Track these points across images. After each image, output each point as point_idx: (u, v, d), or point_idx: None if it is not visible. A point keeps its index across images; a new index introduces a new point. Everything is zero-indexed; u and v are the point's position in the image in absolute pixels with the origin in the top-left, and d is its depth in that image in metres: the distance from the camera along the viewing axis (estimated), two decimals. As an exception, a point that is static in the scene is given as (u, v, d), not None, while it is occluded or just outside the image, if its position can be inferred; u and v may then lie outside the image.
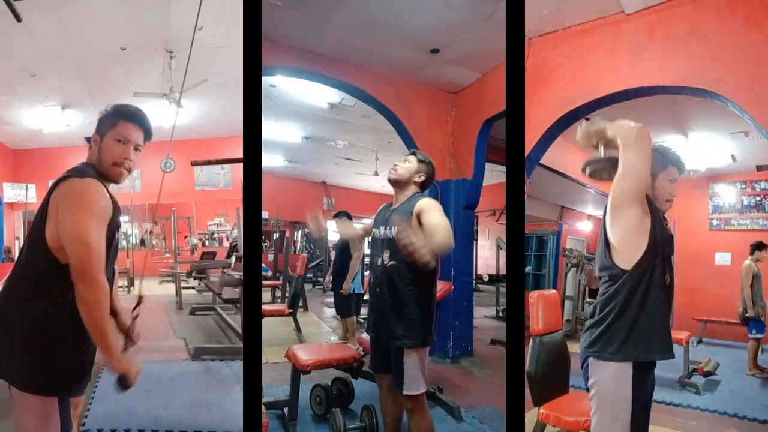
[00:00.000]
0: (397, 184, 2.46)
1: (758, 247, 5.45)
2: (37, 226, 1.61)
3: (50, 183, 1.68)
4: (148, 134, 1.79)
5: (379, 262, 2.38)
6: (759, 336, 5.23)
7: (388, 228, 2.38)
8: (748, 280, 5.32)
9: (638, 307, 1.75)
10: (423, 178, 2.46)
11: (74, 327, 1.58)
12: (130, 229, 11.46)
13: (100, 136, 1.74)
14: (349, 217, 5.28)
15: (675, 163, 1.95)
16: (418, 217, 2.23)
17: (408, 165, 2.46)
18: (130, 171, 1.75)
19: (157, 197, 9.81)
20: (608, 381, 1.77)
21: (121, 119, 1.74)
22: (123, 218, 1.79)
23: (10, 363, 1.59)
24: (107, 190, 1.68)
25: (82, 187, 1.60)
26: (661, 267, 1.77)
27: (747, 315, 5.28)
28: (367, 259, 5.02)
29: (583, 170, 1.99)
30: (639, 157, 1.72)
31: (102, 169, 1.71)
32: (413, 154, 2.52)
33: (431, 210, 2.23)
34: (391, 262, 2.32)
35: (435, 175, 2.53)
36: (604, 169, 1.88)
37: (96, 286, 1.52)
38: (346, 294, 4.97)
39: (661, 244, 1.77)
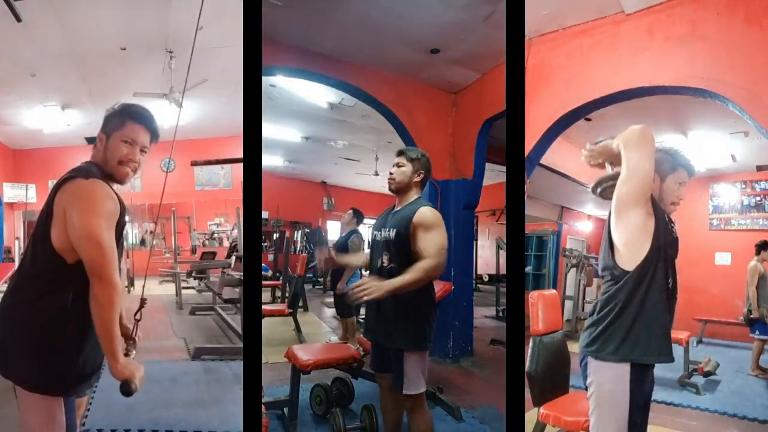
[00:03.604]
0: (398, 191, 2.45)
1: (764, 246, 5.40)
2: (42, 227, 1.60)
3: (50, 183, 1.67)
4: (155, 136, 1.78)
5: (379, 264, 2.38)
6: (764, 337, 5.21)
7: (387, 230, 2.38)
8: (753, 280, 5.27)
9: (638, 309, 1.74)
10: (422, 176, 2.44)
11: (81, 327, 1.58)
12: (130, 229, 11.45)
13: (107, 136, 1.72)
14: (361, 217, 5.25)
15: (685, 166, 1.94)
16: (416, 228, 2.25)
17: (404, 170, 2.42)
18: (135, 172, 1.74)
19: (156, 197, 9.82)
20: (606, 381, 1.77)
21: (129, 120, 1.73)
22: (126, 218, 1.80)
23: (17, 363, 1.59)
24: (113, 189, 1.67)
25: (88, 187, 1.60)
26: (664, 269, 1.76)
27: (752, 316, 5.26)
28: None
29: (593, 191, 1.98)
30: (642, 157, 1.71)
31: (107, 170, 1.70)
32: (402, 154, 2.46)
33: (430, 227, 2.26)
34: (391, 265, 2.31)
35: (431, 166, 2.49)
36: (615, 186, 1.82)
37: (111, 286, 1.53)
38: (340, 293, 4.96)
39: (664, 246, 1.76)
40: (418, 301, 2.29)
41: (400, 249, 2.30)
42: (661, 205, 1.84)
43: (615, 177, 1.82)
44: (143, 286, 2.20)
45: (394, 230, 2.32)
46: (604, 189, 1.92)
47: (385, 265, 2.34)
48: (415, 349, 2.28)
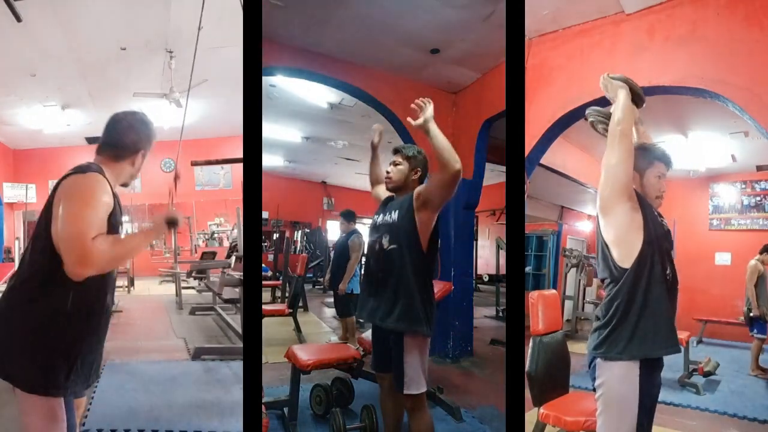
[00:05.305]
0: (396, 190, 2.45)
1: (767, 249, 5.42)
2: (42, 226, 1.60)
3: (50, 183, 1.68)
4: None
5: (378, 246, 2.37)
6: (762, 336, 5.22)
7: (388, 214, 2.38)
8: (752, 279, 5.28)
9: (641, 305, 1.75)
10: (419, 174, 2.43)
11: (78, 327, 1.58)
12: (130, 229, 11.44)
13: (142, 155, 1.84)
14: (352, 216, 5.28)
15: (661, 158, 1.97)
16: (419, 194, 2.24)
17: (400, 168, 2.42)
18: None
19: (156, 197, 9.84)
20: (615, 381, 1.78)
21: (153, 138, 1.88)
22: (123, 218, 1.80)
23: (15, 364, 1.58)
24: (109, 185, 1.68)
25: (83, 181, 1.61)
26: (660, 262, 1.78)
27: (751, 315, 5.27)
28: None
29: (585, 117, 2.11)
30: (621, 158, 1.77)
31: (129, 180, 1.83)
32: (398, 152, 2.44)
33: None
34: (391, 246, 2.31)
35: (428, 163, 2.44)
36: (602, 122, 2.00)
37: (87, 261, 1.50)
38: (342, 294, 4.96)
39: (657, 240, 1.79)
40: (418, 282, 2.27)
41: (402, 228, 2.28)
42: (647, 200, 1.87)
43: (607, 116, 1.95)
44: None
45: (396, 212, 2.32)
46: (594, 120, 2.06)
47: (385, 247, 2.33)
48: (414, 333, 2.25)
